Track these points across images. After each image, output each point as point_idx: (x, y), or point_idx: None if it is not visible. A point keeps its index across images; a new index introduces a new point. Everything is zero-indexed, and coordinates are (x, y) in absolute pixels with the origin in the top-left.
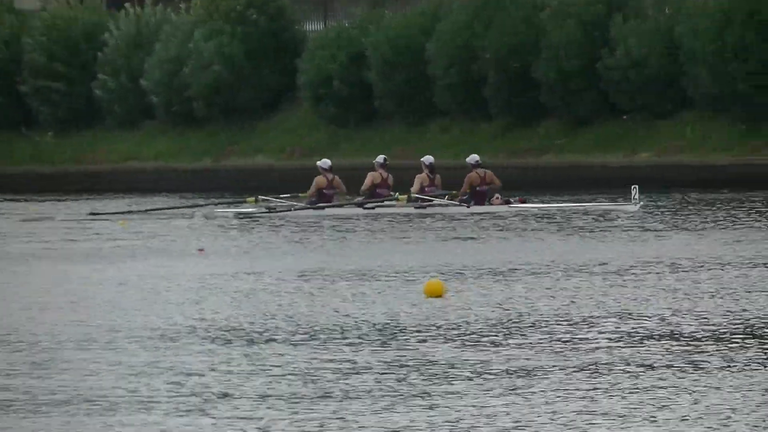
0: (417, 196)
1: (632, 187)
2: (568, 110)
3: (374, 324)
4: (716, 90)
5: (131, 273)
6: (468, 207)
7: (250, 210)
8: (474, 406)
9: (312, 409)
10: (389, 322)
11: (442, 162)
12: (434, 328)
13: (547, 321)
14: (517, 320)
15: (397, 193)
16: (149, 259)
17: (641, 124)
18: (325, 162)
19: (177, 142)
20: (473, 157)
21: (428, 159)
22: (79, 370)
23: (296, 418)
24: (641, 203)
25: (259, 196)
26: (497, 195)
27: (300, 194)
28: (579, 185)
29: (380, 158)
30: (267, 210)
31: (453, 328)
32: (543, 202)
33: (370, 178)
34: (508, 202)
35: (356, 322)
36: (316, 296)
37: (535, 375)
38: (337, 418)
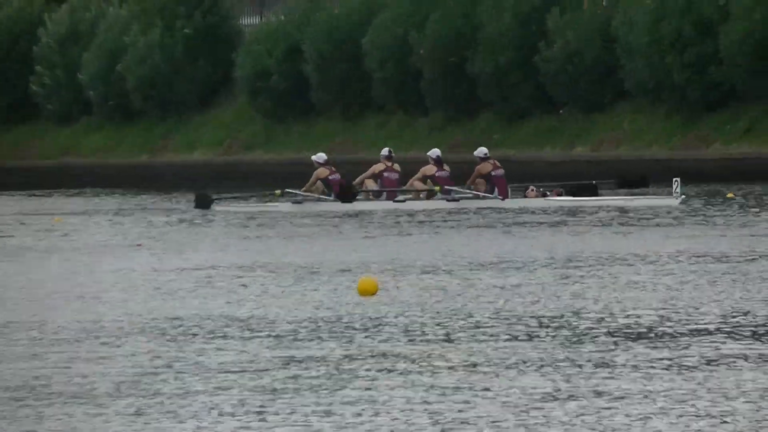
0: (448, 188)
1: (674, 179)
2: (505, 103)
3: (294, 321)
4: (652, 82)
5: (54, 269)
6: (503, 200)
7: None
8: (373, 400)
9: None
10: (312, 318)
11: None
12: (359, 324)
13: (480, 318)
14: (448, 317)
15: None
16: (77, 255)
17: (578, 117)
18: (320, 156)
19: (114, 136)
20: (481, 150)
21: (435, 152)
22: None
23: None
24: (683, 197)
25: (286, 190)
26: (532, 187)
27: (302, 190)
28: (516, 180)
29: (385, 150)
30: (294, 203)
31: (380, 325)
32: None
33: (374, 167)
34: (544, 195)
35: (272, 319)
36: (244, 291)
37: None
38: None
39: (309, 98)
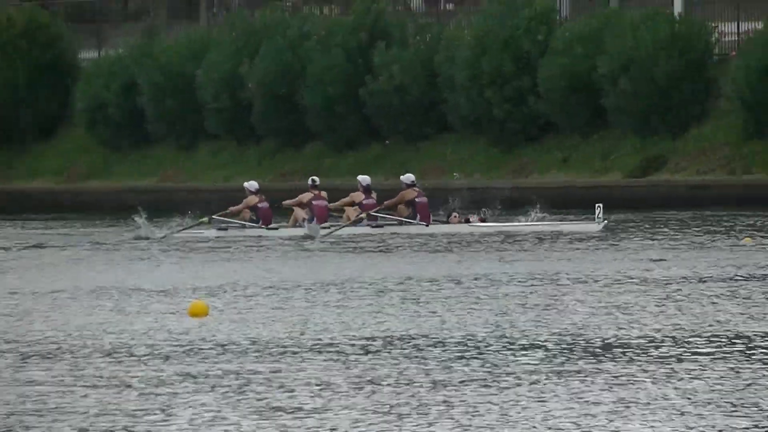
0: (374, 214)
1: (597, 205)
2: (332, 134)
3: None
4: (473, 115)
5: None
6: (427, 225)
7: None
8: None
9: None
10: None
11: (215, 185)
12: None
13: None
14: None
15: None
16: None
17: (403, 147)
18: (252, 184)
19: None
20: (408, 177)
21: (365, 179)
22: None
23: None
24: (605, 222)
25: (212, 217)
26: (455, 213)
27: (214, 216)
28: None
29: (311, 179)
30: (218, 230)
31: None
32: (500, 222)
33: (302, 196)
34: (467, 221)
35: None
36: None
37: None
38: None
39: (145, 128)
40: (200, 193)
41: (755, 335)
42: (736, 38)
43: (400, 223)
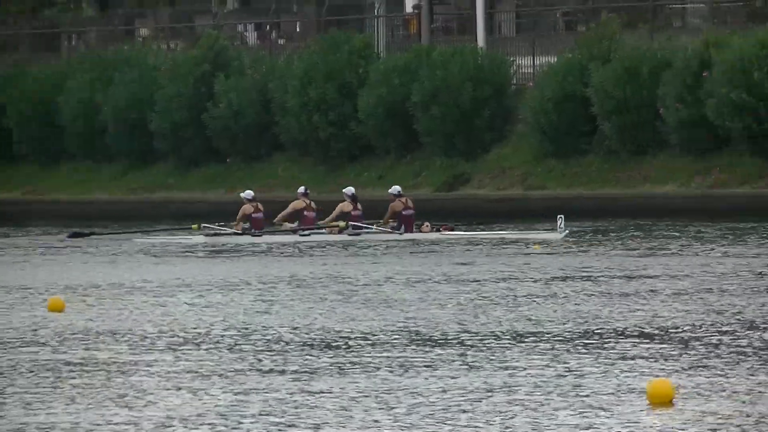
0: (358, 225)
1: (558, 216)
2: (178, 154)
3: None
4: (302, 137)
5: None
6: (401, 234)
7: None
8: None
9: None
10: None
11: (72, 197)
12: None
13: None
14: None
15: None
16: None
17: (241, 165)
18: (248, 193)
19: None
20: (395, 188)
21: (350, 190)
22: None
23: None
24: (567, 231)
25: (202, 224)
26: (426, 223)
27: (231, 223)
28: (187, 217)
29: (302, 189)
30: (206, 236)
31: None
32: (470, 231)
33: (293, 204)
34: (438, 230)
35: None
36: None
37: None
38: None
39: (11, 148)
40: (60, 204)
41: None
42: (532, 70)
43: (379, 231)
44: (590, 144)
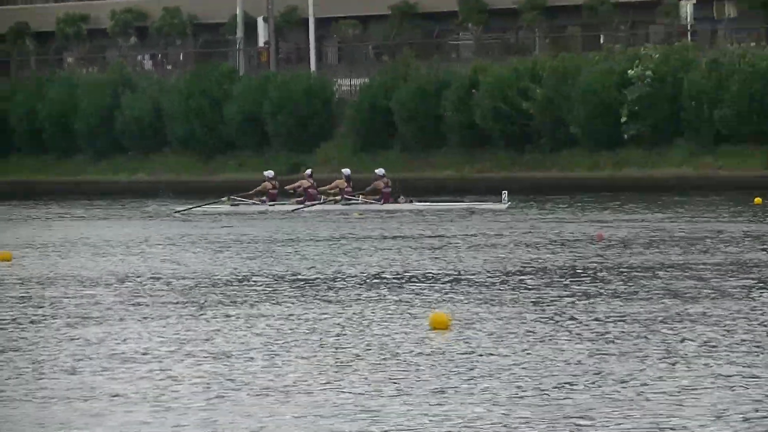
0: (348, 197)
1: (503, 191)
2: (94, 148)
3: None
4: (184, 136)
5: None
6: (381, 204)
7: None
8: None
9: None
10: None
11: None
12: None
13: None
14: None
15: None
16: None
17: (140, 157)
18: (269, 173)
19: None
20: (380, 170)
21: (346, 171)
22: None
23: None
24: (509, 203)
25: (231, 196)
26: (402, 197)
27: (251, 193)
28: (103, 195)
29: (308, 171)
30: (232, 206)
31: None
32: (425, 203)
33: (301, 182)
34: (411, 201)
35: None
36: None
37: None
38: None
39: None
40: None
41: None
42: (350, 88)
43: (365, 203)
44: (391, 141)
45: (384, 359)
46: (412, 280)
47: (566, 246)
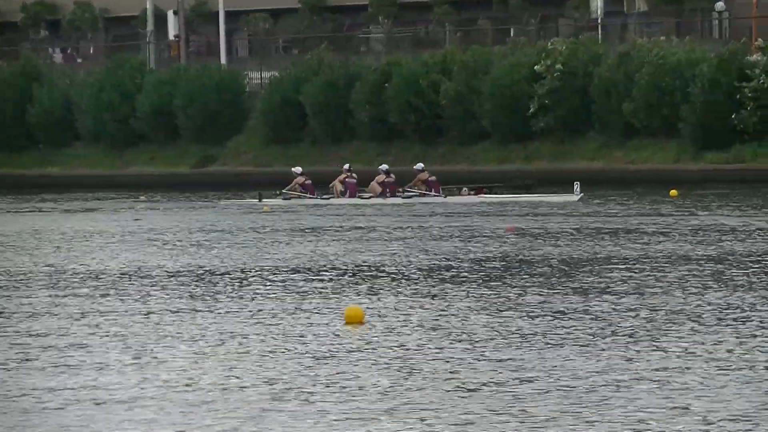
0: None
1: (575, 183)
2: (6, 141)
3: None
4: (95, 129)
5: None
6: (444, 198)
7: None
8: None
9: None
10: None
11: None
12: None
13: None
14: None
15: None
16: None
17: (52, 150)
18: (297, 169)
19: None
20: (420, 165)
21: (384, 166)
22: None
23: None
24: (582, 195)
25: (282, 191)
26: (464, 188)
27: (283, 190)
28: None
29: (346, 165)
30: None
31: None
32: (497, 194)
33: (338, 178)
34: (477, 193)
35: None
36: None
37: None
38: None
39: None
40: None
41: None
42: (260, 81)
43: (420, 195)
44: (302, 135)
45: (286, 352)
46: (334, 273)
47: (480, 240)
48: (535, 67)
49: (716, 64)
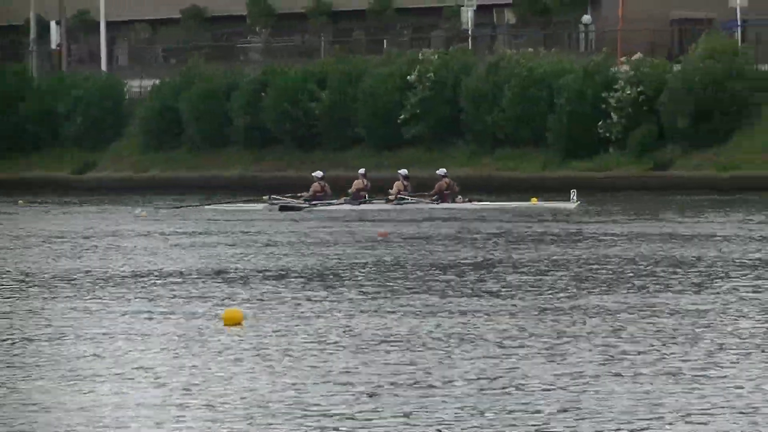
0: (402, 197)
1: (571, 190)
2: None
3: None
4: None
5: None
6: (437, 204)
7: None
8: None
9: None
10: None
11: None
12: None
13: None
14: None
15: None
16: None
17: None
18: (318, 173)
19: None
20: (442, 170)
21: (403, 171)
22: None
23: None
24: (578, 202)
25: (272, 196)
26: (460, 197)
27: (298, 194)
28: None
29: (362, 170)
30: (272, 206)
31: None
32: (492, 202)
33: (355, 184)
34: (470, 201)
35: None
36: None
37: None
38: None
39: None
40: None
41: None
42: (140, 89)
43: (418, 202)
44: (180, 140)
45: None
46: (215, 277)
47: (355, 244)
48: (407, 77)
49: (582, 75)
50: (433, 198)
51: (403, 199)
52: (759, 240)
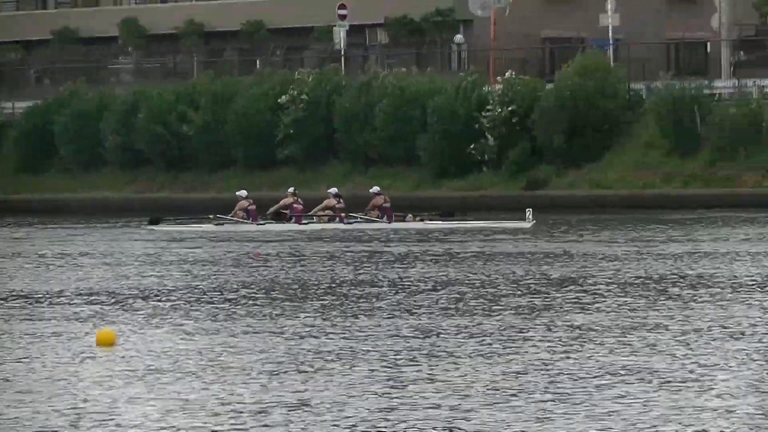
0: (350, 214)
1: (527, 209)
2: None
3: None
4: None
5: None
6: (389, 223)
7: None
8: None
9: None
10: None
11: None
12: None
13: None
14: None
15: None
16: None
17: None
18: (242, 192)
19: None
20: (375, 188)
21: (334, 190)
22: None
23: None
24: (533, 221)
25: (216, 215)
26: (410, 215)
27: (218, 215)
28: None
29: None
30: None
31: None
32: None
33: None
34: (422, 220)
35: None
36: None
37: None
38: None
39: None
40: None
41: None
42: (12, 111)
43: (368, 221)
44: (52, 163)
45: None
46: (92, 297)
47: (242, 265)
48: (278, 99)
49: (454, 95)
50: (378, 216)
51: (354, 218)
52: (622, 259)
